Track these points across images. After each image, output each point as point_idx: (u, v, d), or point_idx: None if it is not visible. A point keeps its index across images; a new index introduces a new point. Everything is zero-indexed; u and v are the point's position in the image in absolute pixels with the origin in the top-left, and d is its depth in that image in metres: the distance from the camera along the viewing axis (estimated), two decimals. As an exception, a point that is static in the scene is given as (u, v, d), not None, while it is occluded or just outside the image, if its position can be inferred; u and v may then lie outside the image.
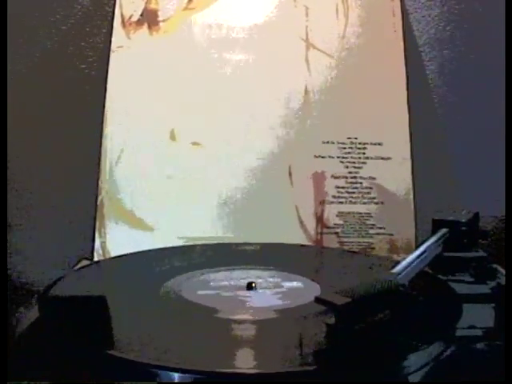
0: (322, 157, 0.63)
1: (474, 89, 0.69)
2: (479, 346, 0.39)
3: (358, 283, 0.39)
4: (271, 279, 0.48)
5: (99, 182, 0.62)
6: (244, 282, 0.47)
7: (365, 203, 0.63)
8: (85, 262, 0.58)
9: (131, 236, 0.61)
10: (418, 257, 0.45)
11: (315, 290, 0.46)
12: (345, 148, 0.64)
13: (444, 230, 0.49)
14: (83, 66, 0.68)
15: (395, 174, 0.63)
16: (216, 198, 0.62)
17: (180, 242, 0.61)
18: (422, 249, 0.46)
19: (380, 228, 0.63)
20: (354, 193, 0.63)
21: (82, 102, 0.68)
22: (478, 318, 0.41)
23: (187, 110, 0.63)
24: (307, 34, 0.65)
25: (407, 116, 0.64)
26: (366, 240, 0.63)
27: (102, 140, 0.63)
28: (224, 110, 0.63)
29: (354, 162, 0.63)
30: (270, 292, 0.46)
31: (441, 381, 0.36)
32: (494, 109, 0.65)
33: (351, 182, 0.63)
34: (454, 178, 0.70)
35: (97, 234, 0.61)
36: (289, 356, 0.36)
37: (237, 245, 0.59)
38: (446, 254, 0.48)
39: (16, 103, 0.60)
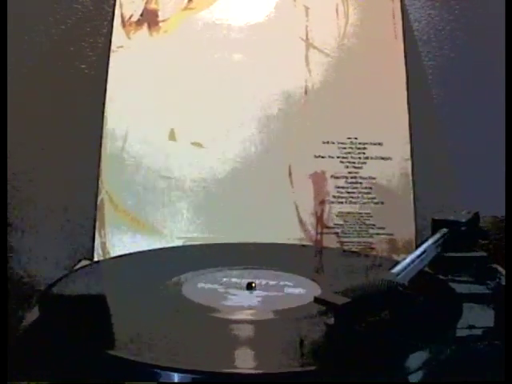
0: (322, 157, 0.63)
1: (474, 89, 0.69)
2: (479, 346, 0.39)
3: (357, 283, 0.39)
4: (271, 279, 0.48)
5: (99, 182, 0.62)
6: (244, 282, 0.47)
7: (365, 203, 0.63)
8: (85, 262, 0.58)
9: (131, 236, 0.61)
10: (418, 257, 0.45)
11: (315, 289, 0.46)
12: (345, 148, 0.64)
13: (444, 230, 0.49)
14: (83, 66, 0.68)
15: (395, 174, 0.63)
16: (216, 197, 0.62)
17: (180, 242, 0.61)
18: (421, 249, 0.46)
19: (380, 228, 0.63)
20: (353, 193, 0.63)
21: (82, 101, 0.68)
22: (477, 318, 0.41)
23: (187, 109, 0.63)
24: (307, 34, 0.65)
25: (407, 116, 0.64)
26: (365, 240, 0.63)
27: (102, 140, 0.63)
28: (224, 110, 0.63)
29: (354, 162, 0.63)
30: (270, 292, 0.46)
31: (441, 381, 0.36)
32: (493, 109, 0.65)
33: (351, 182, 0.63)
34: (454, 178, 0.70)
35: (97, 234, 0.61)
36: (288, 356, 0.36)
37: (236, 245, 0.59)
38: (445, 254, 0.48)
39: (16, 103, 0.60)
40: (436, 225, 0.50)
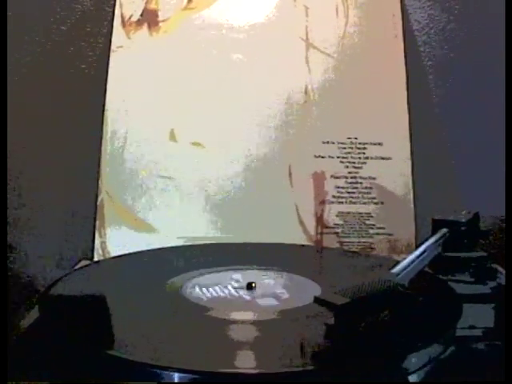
0: (322, 157, 0.63)
1: (473, 89, 0.69)
2: (479, 345, 0.39)
3: (357, 283, 0.39)
4: (271, 279, 0.48)
5: (99, 182, 0.62)
6: (244, 282, 0.47)
7: (365, 203, 0.63)
8: (85, 262, 0.58)
9: (131, 236, 0.61)
10: (418, 257, 0.45)
11: (315, 289, 0.46)
12: (345, 148, 0.64)
13: (444, 230, 0.49)
14: (83, 66, 0.68)
15: (395, 173, 0.63)
16: (216, 197, 0.62)
17: (180, 242, 0.60)
18: (421, 249, 0.46)
19: (380, 228, 0.63)
20: (354, 193, 0.63)
21: (82, 102, 0.68)
22: (478, 317, 0.41)
23: (187, 109, 0.63)
24: (307, 34, 0.65)
25: (407, 116, 0.64)
26: (365, 240, 0.63)
27: (102, 140, 0.63)
28: (224, 110, 0.63)
29: (354, 162, 0.63)
30: (270, 292, 0.46)
31: (441, 381, 0.36)
32: (493, 109, 0.65)
33: (351, 182, 0.63)
34: (454, 178, 0.70)
35: (97, 234, 0.61)
36: (289, 356, 0.36)
37: (236, 245, 0.59)
38: (445, 253, 0.48)
39: (16, 103, 0.60)
40: (436, 225, 0.50)
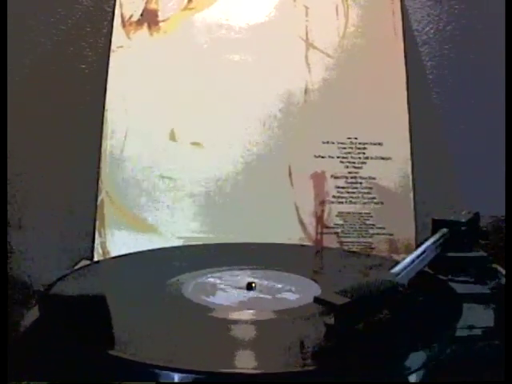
0: (322, 157, 0.63)
1: (473, 89, 0.69)
2: (479, 345, 0.39)
3: (357, 283, 0.39)
4: (271, 279, 0.48)
5: (99, 182, 0.62)
6: (244, 282, 0.47)
7: (365, 203, 0.63)
8: (85, 262, 0.58)
9: (131, 236, 0.61)
10: (418, 257, 0.45)
11: (315, 289, 0.46)
12: (345, 148, 0.64)
13: (444, 230, 0.49)
14: (83, 66, 0.68)
15: (395, 173, 0.63)
16: (216, 197, 0.62)
17: (180, 242, 0.61)
18: (421, 249, 0.46)
19: (380, 228, 0.63)
20: (354, 193, 0.63)
21: (82, 102, 0.68)
22: (477, 317, 0.41)
23: (187, 109, 0.63)
24: (307, 34, 0.65)
25: (407, 116, 0.64)
26: (366, 240, 0.63)
27: (102, 140, 0.63)
28: (224, 110, 0.63)
29: (353, 162, 0.63)
30: (270, 292, 0.46)
31: (441, 381, 0.36)
32: (493, 109, 0.65)
33: (351, 182, 0.63)
34: (454, 178, 0.70)
35: (97, 234, 0.61)
36: (289, 356, 0.36)
37: (237, 245, 0.59)
38: (446, 253, 0.48)
39: (16, 103, 0.60)
40: (436, 225, 0.50)
